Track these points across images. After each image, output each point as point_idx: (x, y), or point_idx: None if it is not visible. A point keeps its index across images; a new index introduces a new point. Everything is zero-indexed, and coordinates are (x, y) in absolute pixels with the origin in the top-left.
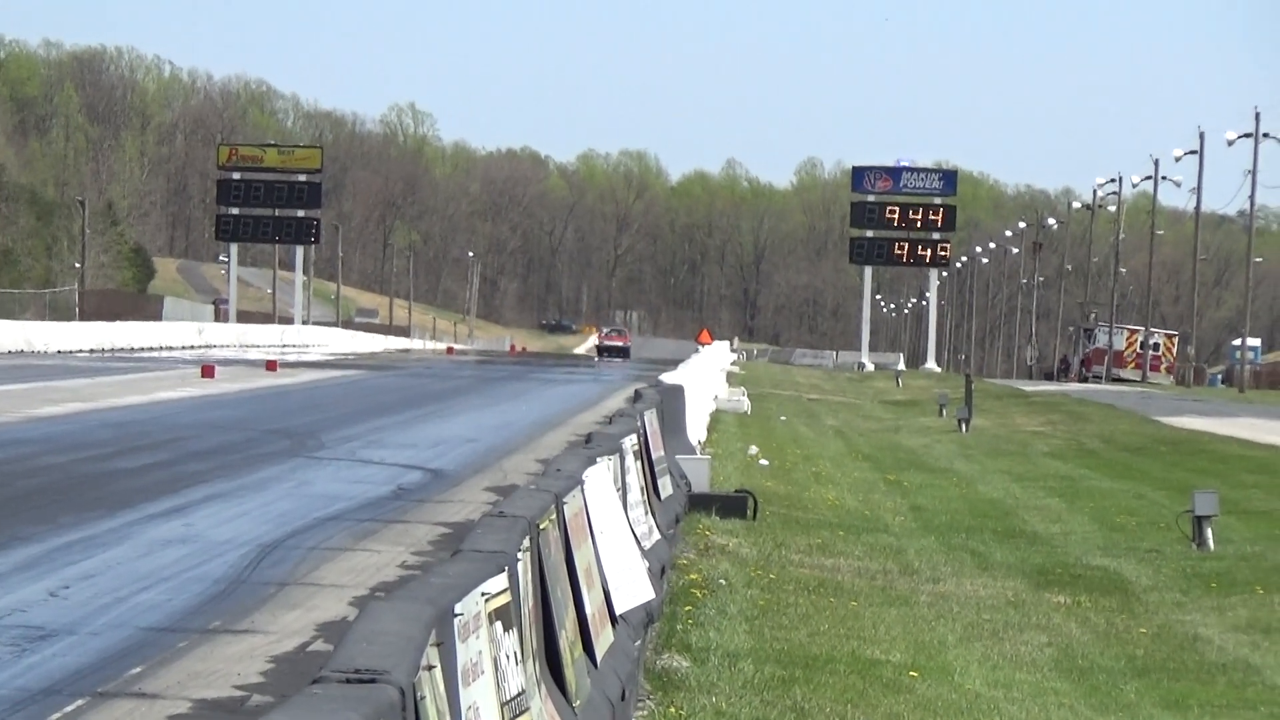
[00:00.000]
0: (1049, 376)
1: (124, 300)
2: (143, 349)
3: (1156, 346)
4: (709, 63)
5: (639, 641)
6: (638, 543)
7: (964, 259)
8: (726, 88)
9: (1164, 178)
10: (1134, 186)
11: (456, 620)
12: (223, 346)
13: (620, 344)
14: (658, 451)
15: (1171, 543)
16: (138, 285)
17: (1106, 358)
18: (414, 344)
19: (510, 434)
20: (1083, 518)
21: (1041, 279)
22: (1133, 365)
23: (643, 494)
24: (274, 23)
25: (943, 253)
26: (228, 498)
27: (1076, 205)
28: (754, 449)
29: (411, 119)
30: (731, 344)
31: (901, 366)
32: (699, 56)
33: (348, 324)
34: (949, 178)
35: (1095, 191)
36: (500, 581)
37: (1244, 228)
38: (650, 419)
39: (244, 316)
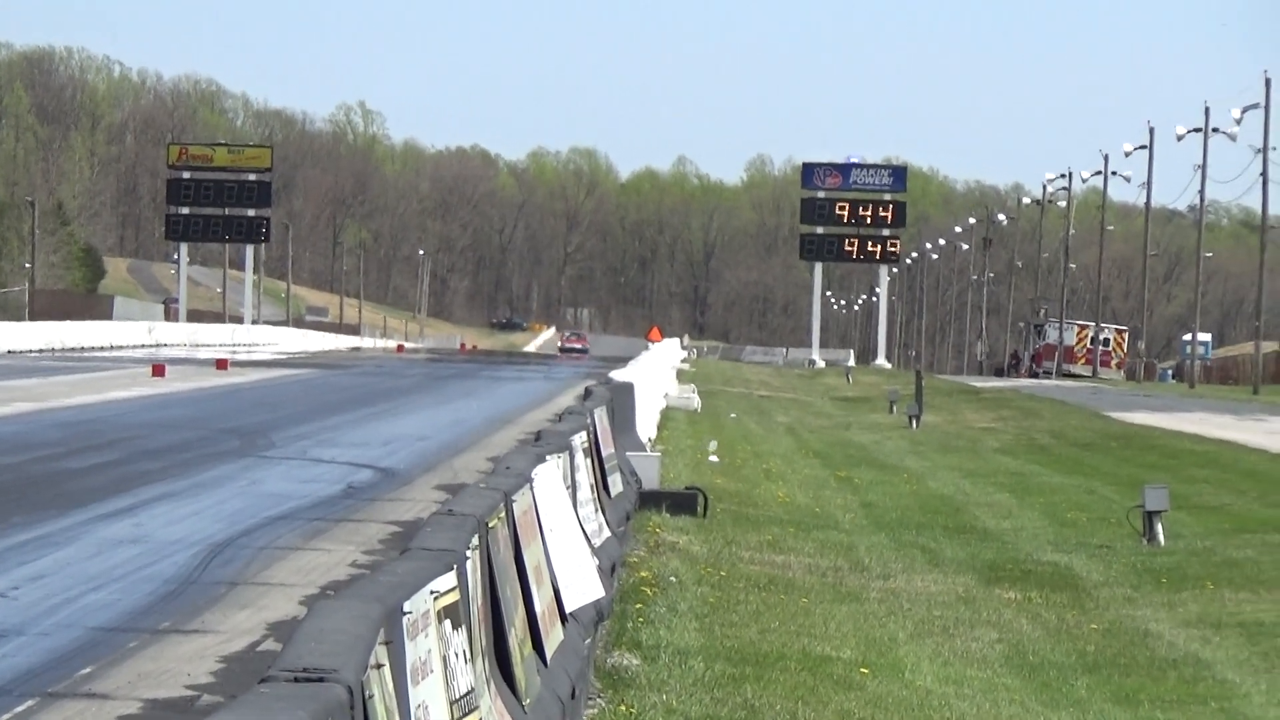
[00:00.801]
0: (999, 372)
1: (74, 300)
2: (93, 348)
3: (1107, 342)
4: (658, 60)
5: (589, 639)
6: (587, 540)
7: (914, 255)
8: (676, 85)
9: (1114, 173)
10: (1084, 182)
11: (405, 619)
12: (173, 346)
13: (580, 346)
14: (608, 449)
15: (1122, 538)
16: (88, 285)
17: (1057, 353)
18: (364, 342)
19: (461, 432)
20: (1033, 513)
21: (992, 275)
22: (1083, 361)
23: (592, 491)
24: (223, 22)
25: (893, 249)
26: (179, 497)
27: (1026, 201)
28: (714, 443)
29: (361, 117)
30: (682, 341)
31: (852, 363)
32: (648, 53)
33: (298, 323)
34: (899, 174)
35: (1045, 187)
36: (449, 580)
37: (1194, 223)
38: (600, 416)
39: (194, 316)
